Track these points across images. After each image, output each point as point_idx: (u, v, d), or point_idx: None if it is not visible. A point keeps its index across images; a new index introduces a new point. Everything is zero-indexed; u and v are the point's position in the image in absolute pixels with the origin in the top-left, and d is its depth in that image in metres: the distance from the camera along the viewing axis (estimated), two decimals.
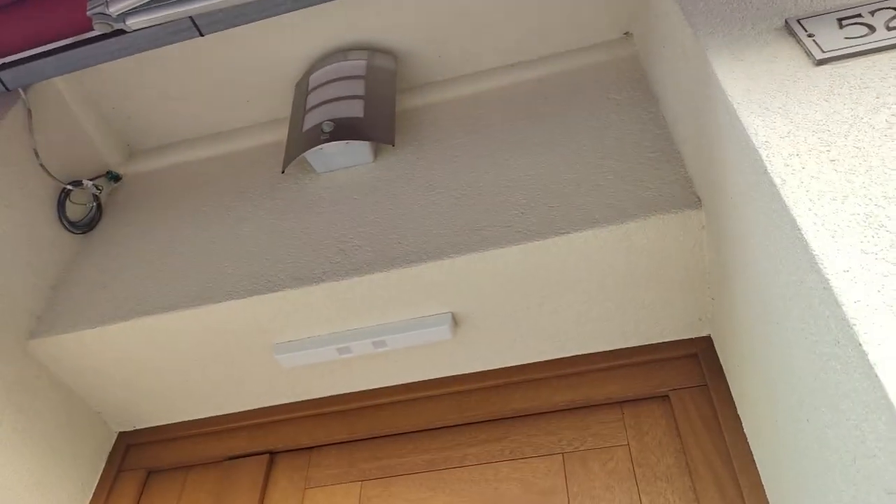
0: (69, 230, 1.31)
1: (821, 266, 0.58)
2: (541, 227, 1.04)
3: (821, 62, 0.75)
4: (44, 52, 1.19)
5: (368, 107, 1.25)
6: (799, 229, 0.61)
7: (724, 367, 1.11)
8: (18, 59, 1.20)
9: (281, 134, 1.42)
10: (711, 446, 1.05)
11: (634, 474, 1.07)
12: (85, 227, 1.35)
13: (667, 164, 1.08)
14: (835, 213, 0.61)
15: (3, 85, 1.20)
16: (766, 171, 0.67)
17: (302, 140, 1.25)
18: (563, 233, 1.03)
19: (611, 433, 1.13)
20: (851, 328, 0.54)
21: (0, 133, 1.21)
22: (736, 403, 1.06)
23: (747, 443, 1.02)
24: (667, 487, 1.04)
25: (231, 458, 1.27)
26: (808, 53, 0.77)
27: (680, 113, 1.05)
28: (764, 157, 0.68)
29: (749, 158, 0.72)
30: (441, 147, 1.26)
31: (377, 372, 1.25)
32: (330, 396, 1.29)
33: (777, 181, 0.65)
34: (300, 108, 1.32)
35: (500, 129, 1.25)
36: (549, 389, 1.19)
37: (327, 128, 1.22)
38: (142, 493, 1.28)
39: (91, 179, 1.36)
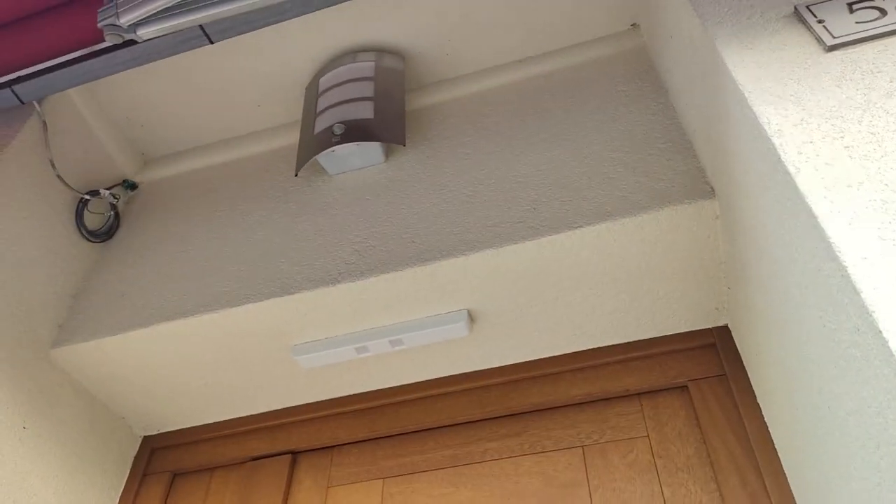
0: (88, 239, 1.33)
1: (838, 254, 0.58)
2: (553, 222, 1.04)
3: (832, 48, 0.75)
4: (57, 64, 1.21)
5: (378, 108, 1.26)
6: (815, 217, 0.61)
7: (742, 357, 1.11)
8: (32, 73, 1.22)
9: (293, 137, 1.43)
10: (732, 436, 1.05)
11: (655, 466, 1.07)
12: (103, 235, 1.37)
13: (678, 154, 1.07)
14: (851, 200, 0.61)
15: (18, 98, 1.23)
16: (779, 160, 0.67)
17: (314, 143, 1.26)
18: (576, 227, 1.03)
19: (630, 425, 1.13)
20: (871, 315, 0.54)
21: (17, 146, 1.23)
22: (755, 392, 1.06)
23: (768, 431, 1.02)
24: (688, 478, 1.04)
25: (254, 459, 1.29)
26: (819, 40, 0.76)
27: (690, 103, 1.04)
28: (777, 146, 0.68)
29: (762, 147, 0.72)
30: (451, 145, 1.27)
31: (396, 370, 1.25)
32: (350, 395, 1.30)
33: (791, 169, 0.65)
34: (311, 111, 1.33)
35: (509, 125, 1.25)
36: (566, 383, 1.19)
37: (338, 130, 1.23)
38: (167, 496, 1.30)
39: (108, 189, 1.38)
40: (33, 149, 1.26)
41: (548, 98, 1.28)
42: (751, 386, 1.08)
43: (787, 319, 0.79)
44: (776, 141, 0.68)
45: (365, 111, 1.26)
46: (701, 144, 1.03)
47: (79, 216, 1.32)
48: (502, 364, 1.25)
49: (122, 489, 1.31)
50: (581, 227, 1.02)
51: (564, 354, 1.22)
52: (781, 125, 0.69)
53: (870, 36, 0.74)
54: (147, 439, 1.39)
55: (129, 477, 1.32)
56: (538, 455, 1.14)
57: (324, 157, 1.26)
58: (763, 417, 1.04)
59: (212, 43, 1.17)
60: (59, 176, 1.28)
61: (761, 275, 0.86)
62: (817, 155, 0.65)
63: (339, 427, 1.27)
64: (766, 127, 0.70)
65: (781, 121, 0.70)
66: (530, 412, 1.19)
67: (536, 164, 1.15)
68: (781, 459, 0.98)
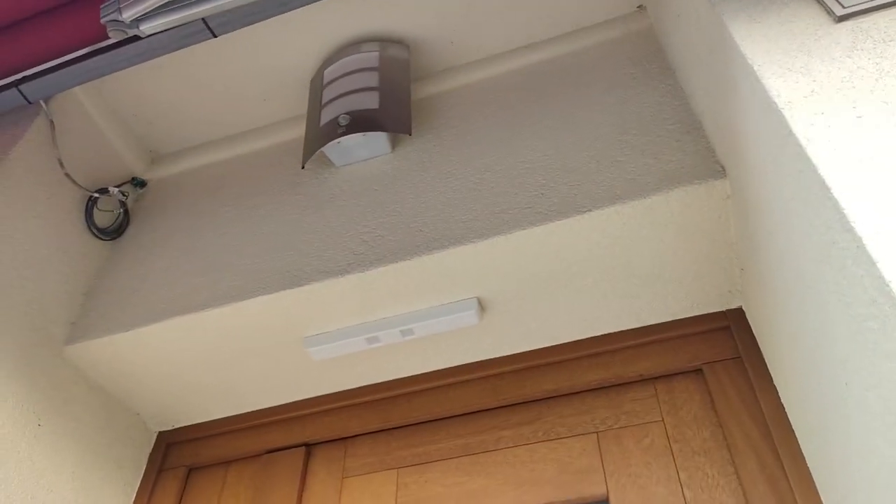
0: (98, 237, 1.33)
1: (853, 225, 0.57)
2: (562, 207, 1.03)
3: (842, 18, 0.73)
4: (62, 63, 1.21)
5: (383, 97, 1.25)
6: (828, 188, 0.59)
7: (757, 338, 1.09)
8: (38, 72, 1.22)
9: (299, 130, 1.43)
10: (748, 418, 1.03)
11: (671, 450, 1.06)
12: (113, 233, 1.37)
13: (687, 135, 1.06)
14: (864, 170, 0.60)
15: (25, 98, 1.23)
16: (790, 132, 0.65)
17: (320, 135, 1.25)
18: (585, 210, 1.02)
19: (645, 410, 1.12)
20: (888, 286, 0.53)
21: (24, 145, 1.23)
22: (771, 374, 1.05)
23: (785, 413, 1.01)
24: (705, 462, 1.03)
25: (269, 452, 1.29)
26: (829, 11, 0.75)
27: (699, 83, 1.03)
28: (788, 118, 0.66)
29: (773, 121, 0.70)
30: (458, 133, 1.26)
31: (408, 360, 1.25)
32: (362, 387, 1.30)
33: (803, 141, 0.64)
34: (316, 103, 1.32)
35: (515, 111, 1.24)
36: (579, 369, 1.18)
37: (344, 121, 1.22)
38: (184, 490, 1.30)
39: (117, 186, 1.39)
40: (41, 148, 1.26)
41: (554, 83, 1.26)
42: (766, 368, 1.06)
43: (801, 297, 0.78)
44: (787, 113, 0.67)
45: (370, 101, 1.25)
46: (710, 124, 1.01)
47: (88, 214, 1.32)
48: (514, 352, 1.24)
49: (138, 484, 1.31)
50: (590, 210, 1.01)
51: (577, 341, 1.21)
52: (791, 97, 0.68)
53: (881, 4, 0.73)
54: (162, 434, 1.39)
55: (145, 472, 1.33)
56: (552, 442, 1.13)
57: (330, 149, 1.26)
58: (779, 399, 1.02)
59: (215, 37, 1.17)
60: (67, 174, 1.28)
61: (774, 253, 0.85)
62: (829, 126, 0.64)
63: (353, 418, 1.27)
64: (777, 99, 0.68)
65: (791, 93, 0.69)
66: (543, 399, 1.19)
67: (544, 150, 1.14)
68: (799, 440, 0.97)
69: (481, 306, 1.14)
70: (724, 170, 0.98)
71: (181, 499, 1.29)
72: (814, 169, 0.62)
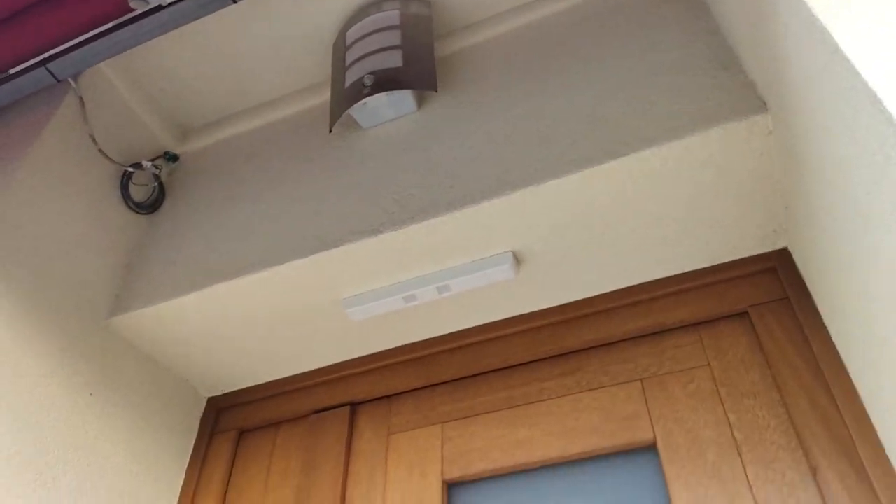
0: (135, 211, 1.35)
1: None
2: (595, 153, 1.01)
3: None
4: (87, 39, 1.22)
5: (407, 55, 1.23)
6: (880, 102, 0.56)
7: (804, 278, 1.06)
8: (64, 50, 1.23)
9: (325, 95, 1.42)
10: (798, 358, 1.01)
11: (718, 394, 1.04)
12: (150, 207, 1.39)
13: (724, 71, 1.02)
14: None
15: (54, 76, 1.24)
16: (837, 49, 0.62)
17: (345, 97, 1.24)
18: (620, 155, 0.99)
19: (688, 356, 1.10)
20: None
21: (56, 123, 1.25)
22: (821, 312, 1.02)
23: (836, 351, 0.98)
24: (754, 404, 1.01)
25: (316, 413, 1.31)
26: None
27: (735, 15, 0.99)
28: (835, 35, 0.63)
29: (817, 40, 0.67)
30: (484, 87, 1.23)
31: (447, 317, 1.25)
32: (404, 345, 1.30)
33: (851, 57, 0.60)
34: (340, 66, 1.31)
35: (542, 61, 1.21)
36: (620, 318, 1.17)
37: (368, 81, 1.21)
38: (236, 453, 1.34)
39: (150, 160, 1.40)
40: (73, 125, 1.28)
41: (581, 29, 1.22)
42: (815, 307, 1.03)
43: (853, 226, 0.75)
44: (832, 30, 0.63)
45: (394, 60, 1.23)
46: (749, 57, 0.97)
47: (124, 189, 1.34)
48: (553, 304, 1.23)
49: (191, 449, 1.35)
50: (625, 155, 0.99)
51: (616, 290, 1.19)
52: (837, 12, 0.64)
53: None
54: (212, 400, 1.43)
55: (197, 436, 1.36)
56: (595, 391, 1.12)
57: (356, 111, 1.25)
58: (830, 337, 0.99)
59: (235, 2, 1.16)
60: (100, 150, 1.30)
61: (822, 185, 0.81)
62: (878, 38, 0.60)
63: (396, 376, 1.28)
64: (821, 16, 0.65)
65: (837, 9, 0.65)
66: (585, 350, 1.18)
67: (574, 98, 1.11)
68: (852, 377, 0.94)
69: (517, 260, 1.13)
70: (765, 104, 0.94)
71: (234, 461, 1.33)
72: (864, 83, 0.58)
